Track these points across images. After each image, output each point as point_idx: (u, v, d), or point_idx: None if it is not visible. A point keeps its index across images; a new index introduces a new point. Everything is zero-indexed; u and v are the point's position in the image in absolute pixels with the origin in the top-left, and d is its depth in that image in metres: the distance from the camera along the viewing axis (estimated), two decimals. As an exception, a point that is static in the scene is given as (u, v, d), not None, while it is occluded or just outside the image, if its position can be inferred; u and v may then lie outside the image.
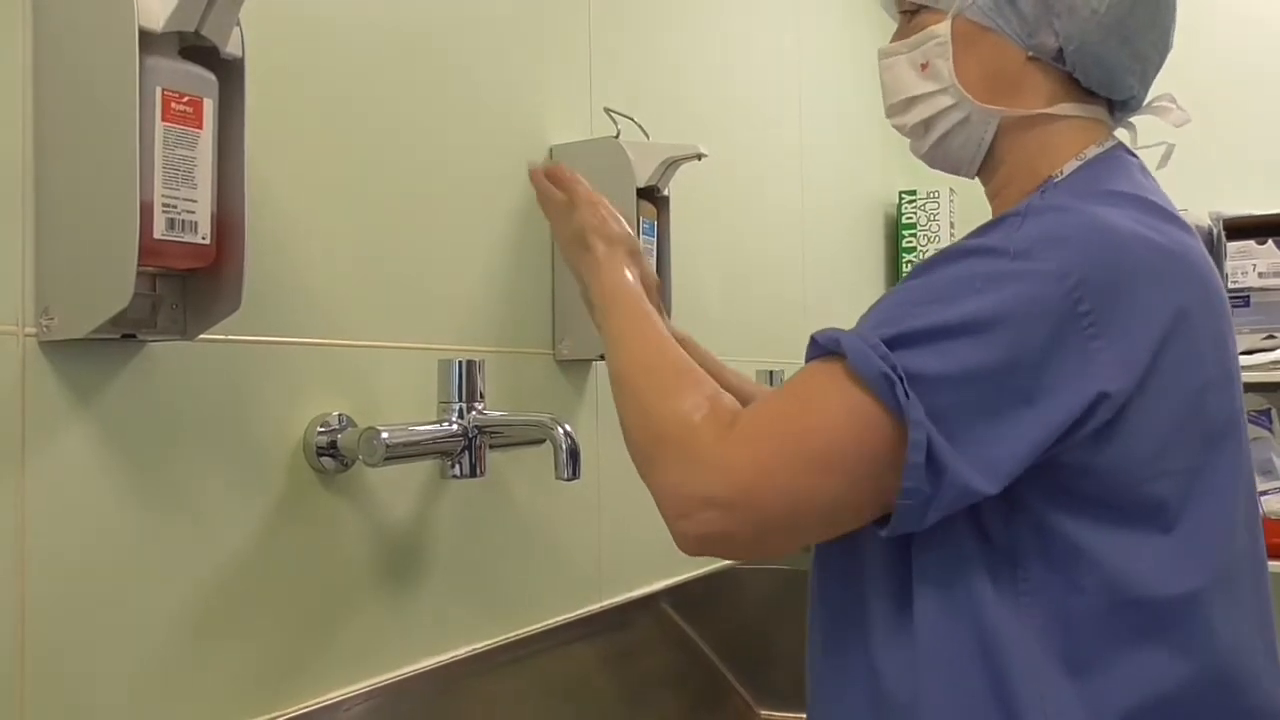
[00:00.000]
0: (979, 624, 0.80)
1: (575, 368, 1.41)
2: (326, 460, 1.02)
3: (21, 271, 0.80)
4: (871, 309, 0.82)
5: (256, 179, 0.91)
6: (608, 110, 1.38)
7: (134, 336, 0.85)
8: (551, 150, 1.36)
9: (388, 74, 1.12)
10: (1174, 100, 0.94)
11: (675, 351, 0.90)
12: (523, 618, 1.30)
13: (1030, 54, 0.89)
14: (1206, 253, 0.87)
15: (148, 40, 0.78)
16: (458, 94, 1.22)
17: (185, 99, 0.81)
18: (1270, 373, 2.15)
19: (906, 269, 2.60)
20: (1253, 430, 2.22)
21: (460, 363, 1.10)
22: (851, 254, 2.44)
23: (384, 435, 0.99)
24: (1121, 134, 0.96)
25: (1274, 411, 2.23)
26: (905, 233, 2.62)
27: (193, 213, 0.82)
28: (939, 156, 0.96)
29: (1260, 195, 2.33)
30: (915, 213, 2.61)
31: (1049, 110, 0.90)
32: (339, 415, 1.04)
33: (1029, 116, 0.90)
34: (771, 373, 1.75)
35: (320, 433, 1.02)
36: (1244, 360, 2.16)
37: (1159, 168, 0.94)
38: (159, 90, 0.79)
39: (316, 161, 1.04)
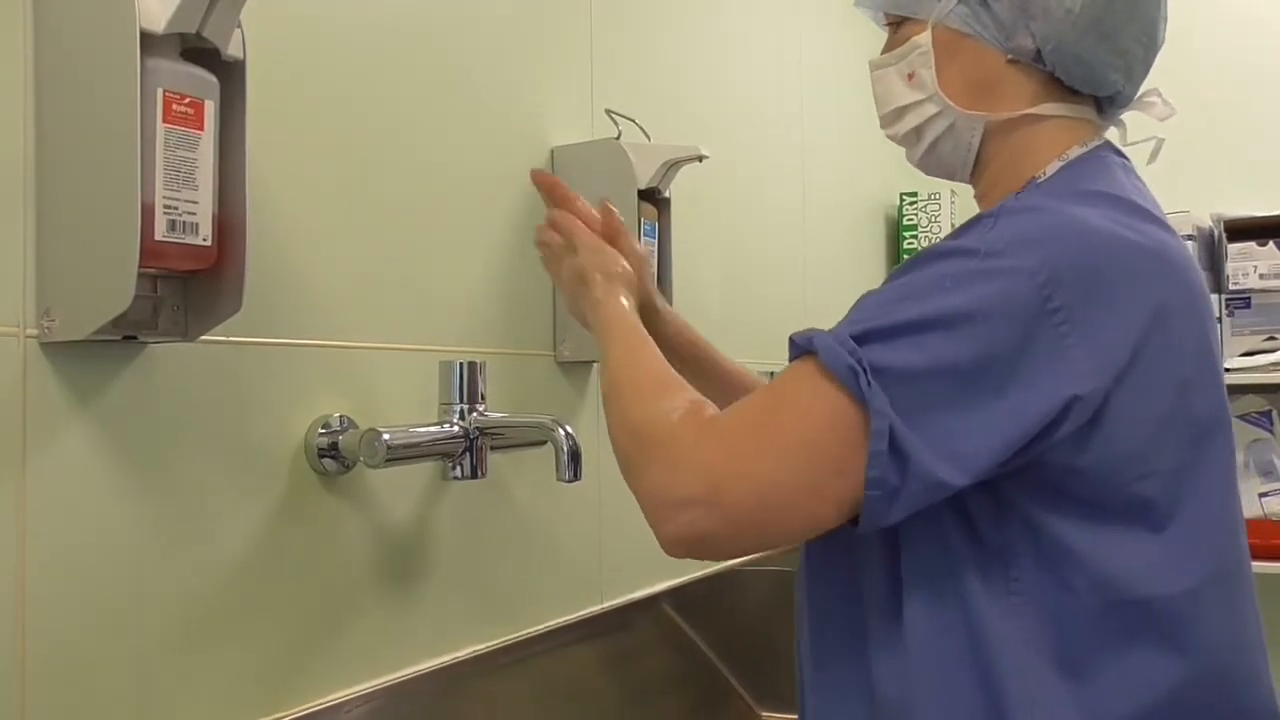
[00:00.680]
0: (970, 624, 0.80)
1: (576, 369, 1.41)
2: (328, 462, 1.02)
3: (23, 273, 0.80)
4: (850, 311, 0.83)
5: (257, 180, 0.91)
6: (609, 112, 1.38)
7: (135, 338, 0.85)
8: (553, 152, 1.36)
9: (388, 74, 1.12)
10: (1160, 95, 0.94)
11: (663, 366, 0.92)
12: (524, 619, 1.30)
13: (1010, 57, 0.90)
14: (1189, 253, 0.87)
15: (149, 42, 0.78)
16: (458, 95, 1.22)
17: (186, 100, 0.81)
18: (1271, 374, 2.15)
19: (907, 270, 2.59)
20: (1253, 431, 2.21)
21: (461, 364, 1.10)
22: (852, 255, 2.44)
23: (385, 437, 0.99)
24: (1111, 133, 0.96)
25: (1275, 413, 2.23)
26: (906, 234, 2.62)
27: (194, 214, 0.82)
28: (932, 163, 0.97)
29: (1261, 196, 2.32)
30: (916, 214, 2.61)
31: (1033, 111, 0.90)
32: (340, 417, 1.04)
33: (1013, 119, 0.91)
34: (772, 373, 1.73)
35: (321, 434, 1.02)
36: (1244, 361, 2.16)
37: (1149, 163, 0.94)
38: (160, 92, 0.79)
39: (317, 162, 1.04)
